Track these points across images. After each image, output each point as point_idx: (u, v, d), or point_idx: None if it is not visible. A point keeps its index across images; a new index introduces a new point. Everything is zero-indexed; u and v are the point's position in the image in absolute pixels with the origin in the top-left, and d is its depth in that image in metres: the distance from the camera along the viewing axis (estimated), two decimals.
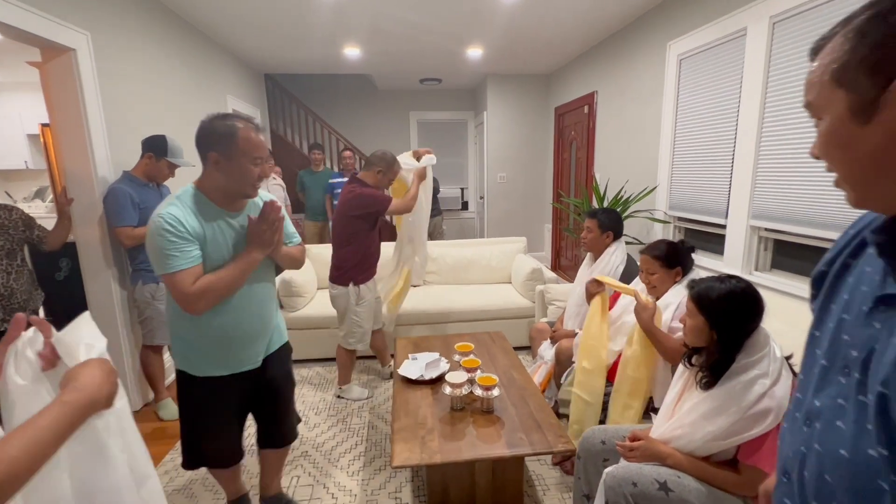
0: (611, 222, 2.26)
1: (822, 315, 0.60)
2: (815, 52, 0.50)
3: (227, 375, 1.39)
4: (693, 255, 1.83)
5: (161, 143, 2.24)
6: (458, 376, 1.69)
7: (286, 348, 1.57)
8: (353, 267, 2.36)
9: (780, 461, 0.61)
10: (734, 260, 2.41)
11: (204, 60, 3.53)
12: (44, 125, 4.01)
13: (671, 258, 1.76)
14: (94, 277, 2.28)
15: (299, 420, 1.68)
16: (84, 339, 0.70)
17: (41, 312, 2.10)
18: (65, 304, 2.41)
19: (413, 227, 2.66)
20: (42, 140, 4.13)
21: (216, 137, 1.22)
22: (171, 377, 2.78)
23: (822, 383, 0.55)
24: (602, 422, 1.76)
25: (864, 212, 0.59)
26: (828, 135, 0.50)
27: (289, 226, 1.50)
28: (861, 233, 0.59)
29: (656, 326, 1.62)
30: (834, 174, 0.52)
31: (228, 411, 1.46)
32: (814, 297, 0.63)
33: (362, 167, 2.48)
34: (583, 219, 3.37)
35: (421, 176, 2.48)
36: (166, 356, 2.62)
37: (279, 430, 1.59)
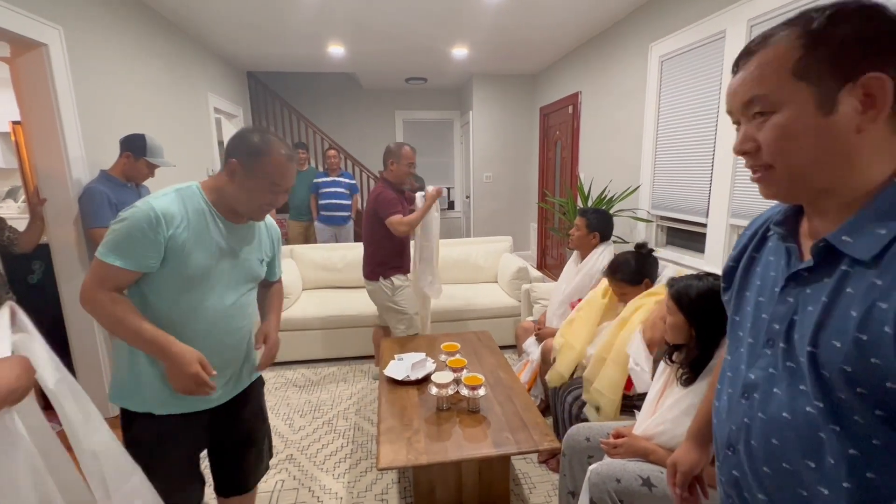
0: (599, 223, 2.28)
1: (738, 302, 0.68)
2: (748, 54, 0.55)
3: (189, 413, 1.13)
4: (656, 257, 1.87)
5: (140, 142, 2.18)
6: (444, 376, 1.69)
7: (259, 382, 1.36)
8: (379, 263, 2.46)
9: (720, 437, 0.66)
10: (715, 258, 2.45)
11: (184, 57, 3.45)
12: (15, 123, 3.87)
13: (636, 276, 1.83)
14: (69, 280, 2.21)
15: (271, 455, 1.43)
16: (6, 334, 0.79)
17: None
18: (38, 307, 2.33)
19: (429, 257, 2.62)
20: (13, 138, 3.98)
21: (245, 147, 1.10)
22: None
23: (752, 359, 0.61)
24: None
25: (767, 209, 0.70)
26: (784, 126, 0.53)
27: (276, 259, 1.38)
28: (759, 231, 0.68)
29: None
30: (749, 171, 0.58)
31: (185, 459, 1.17)
32: (726, 289, 0.73)
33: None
34: (568, 218, 3.42)
35: (429, 205, 2.45)
36: None
37: (248, 474, 1.34)
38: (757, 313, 0.62)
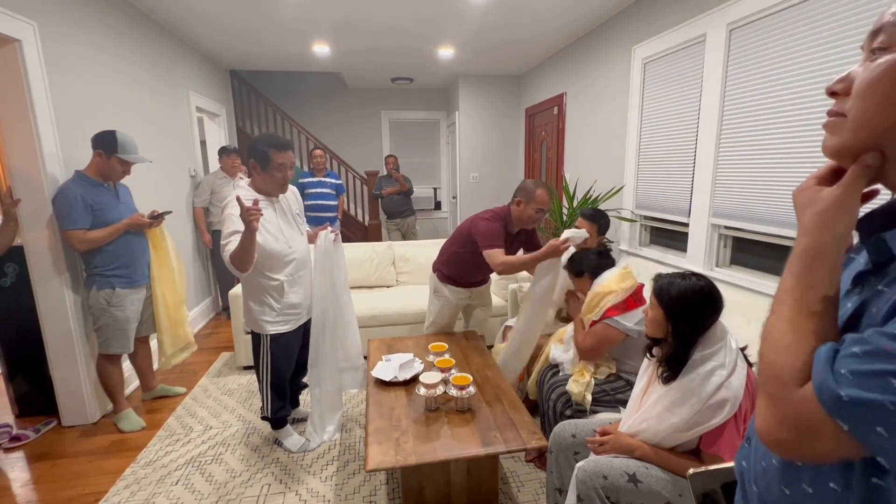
0: (605, 227, 2.36)
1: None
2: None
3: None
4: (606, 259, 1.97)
5: (110, 138, 2.11)
6: (432, 377, 1.69)
7: None
8: (442, 262, 2.42)
9: (749, 428, 0.65)
10: (696, 257, 2.50)
11: (164, 54, 3.38)
12: None
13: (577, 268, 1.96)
14: (44, 283, 2.15)
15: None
16: None
17: None
18: (11, 311, 2.26)
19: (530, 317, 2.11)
20: None
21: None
22: (130, 387, 2.66)
23: None
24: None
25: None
26: (888, 68, 0.45)
27: None
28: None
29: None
30: (834, 117, 0.50)
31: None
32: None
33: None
34: (554, 217, 3.44)
35: (549, 253, 1.95)
36: (126, 364, 2.50)
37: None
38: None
